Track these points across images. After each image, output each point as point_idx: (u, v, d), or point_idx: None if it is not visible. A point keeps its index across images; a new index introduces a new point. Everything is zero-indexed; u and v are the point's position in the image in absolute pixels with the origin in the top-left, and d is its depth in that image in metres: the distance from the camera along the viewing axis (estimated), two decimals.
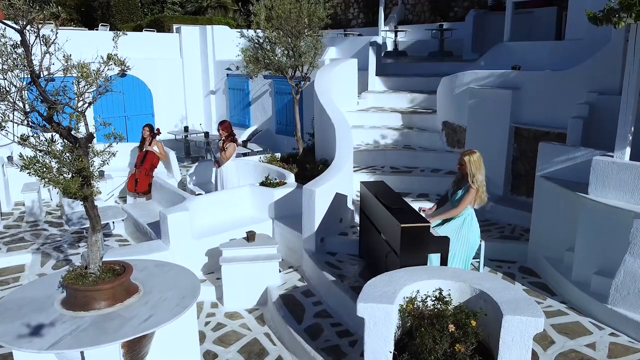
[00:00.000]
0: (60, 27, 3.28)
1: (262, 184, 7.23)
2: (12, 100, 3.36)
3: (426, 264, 4.48)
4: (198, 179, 8.49)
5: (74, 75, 3.44)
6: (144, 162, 8.41)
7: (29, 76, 3.42)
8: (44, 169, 3.43)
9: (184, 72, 13.07)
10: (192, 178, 8.47)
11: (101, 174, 9.02)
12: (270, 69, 7.52)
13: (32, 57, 3.40)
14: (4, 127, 3.47)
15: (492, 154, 7.29)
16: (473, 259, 5.08)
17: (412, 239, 4.39)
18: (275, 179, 7.33)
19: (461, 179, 5.07)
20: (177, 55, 13.12)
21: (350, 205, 6.85)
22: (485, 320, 3.61)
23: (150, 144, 8.60)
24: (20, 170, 3.39)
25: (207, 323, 5.49)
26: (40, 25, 3.13)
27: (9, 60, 3.34)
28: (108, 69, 3.74)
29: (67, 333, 3.53)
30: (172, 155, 9.19)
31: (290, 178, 7.43)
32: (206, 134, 11.75)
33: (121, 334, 3.54)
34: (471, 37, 12.62)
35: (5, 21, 3.34)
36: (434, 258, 4.64)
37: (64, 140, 3.56)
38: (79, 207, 8.22)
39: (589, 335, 4.44)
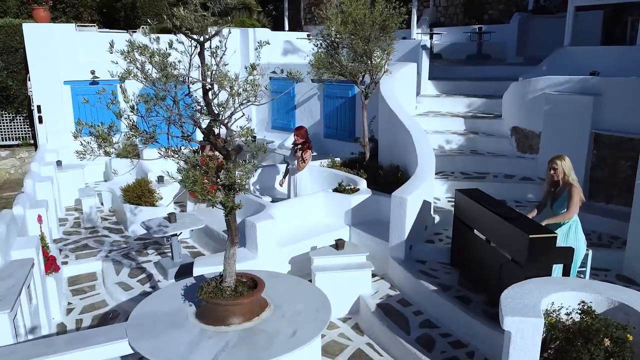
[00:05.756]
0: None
1: (336, 190, 7.15)
2: (168, 112, 3.29)
3: (550, 275, 4.42)
4: (261, 185, 8.41)
5: (229, 86, 3.37)
6: None
7: (185, 87, 3.35)
8: (198, 183, 3.36)
9: None
10: (255, 184, 8.38)
11: (160, 179, 8.90)
12: (344, 74, 7.44)
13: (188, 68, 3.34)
14: (157, 140, 3.41)
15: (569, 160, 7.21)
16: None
17: (539, 250, 4.33)
18: (349, 185, 7.25)
19: (553, 189, 4.98)
20: None
21: (432, 212, 6.78)
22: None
23: (211, 149, 8.49)
24: (179, 184, 3.33)
25: None
26: (212, 37, 3.06)
27: (165, 70, 3.28)
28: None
29: (220, 350, 3.47)
30: None
31: (362, 184, 7.35)
32: (253, 138, 11.65)
33: (275, 350, 3.47)
34: (516, 41, 12.53)
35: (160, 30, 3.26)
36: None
37: (217, 152, 3.50)
38: (141, 213, 8.09)
39: None
